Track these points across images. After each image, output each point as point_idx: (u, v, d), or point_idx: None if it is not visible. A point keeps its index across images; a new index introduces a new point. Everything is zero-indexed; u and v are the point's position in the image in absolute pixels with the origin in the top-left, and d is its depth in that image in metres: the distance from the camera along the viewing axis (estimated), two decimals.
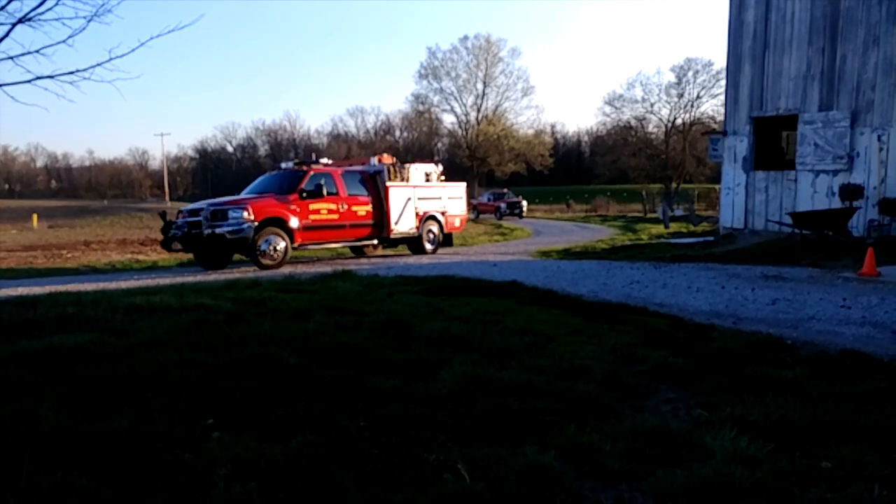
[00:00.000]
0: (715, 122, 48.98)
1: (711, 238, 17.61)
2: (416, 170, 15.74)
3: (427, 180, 15.90)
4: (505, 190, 44.66)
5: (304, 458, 2.75)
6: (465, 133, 65.16)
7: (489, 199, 41.53)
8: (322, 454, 2.81)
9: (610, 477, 2.75)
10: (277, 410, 3.34)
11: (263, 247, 12.23)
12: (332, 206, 13.47)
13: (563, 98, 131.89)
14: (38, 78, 5.77)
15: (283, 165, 15.02)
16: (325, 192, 13.07)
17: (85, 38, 6.26)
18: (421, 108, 68.32)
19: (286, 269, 12.12)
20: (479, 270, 10.91)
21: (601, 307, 6.71)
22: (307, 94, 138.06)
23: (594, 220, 36.27)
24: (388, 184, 14.67)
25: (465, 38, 63.58)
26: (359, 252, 15.97)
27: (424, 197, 15.57)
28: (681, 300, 7.55)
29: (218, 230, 11.85)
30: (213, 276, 11.15)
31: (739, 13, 16.10)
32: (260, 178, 14.76)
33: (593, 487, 2.67)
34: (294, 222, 12.71)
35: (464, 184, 17.47)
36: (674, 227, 26.02)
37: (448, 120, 68.58)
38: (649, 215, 37.58)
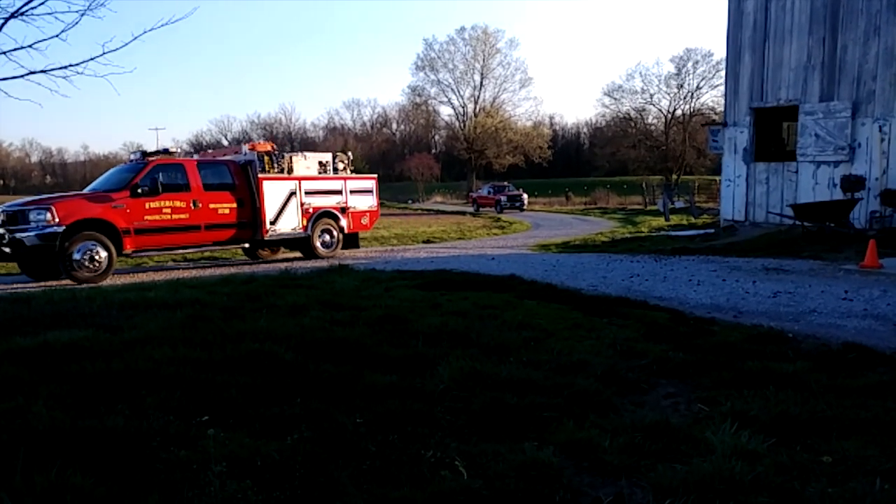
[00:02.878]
0: (715, 113, 48.82)
1: (712, 230, 17.57)
2: (306, 159, 13.73)
3: (323, 171, 13.89)
4: (505, 183, 44.46)
5: (300, 455, 2.73)
6: (462, 125, 65.01)
7: (489, 193, 41.33)
8: (318, 451, 2.80)
9: (609, 472, 2.73)
10: (273, 407, 3.32)
11: (77, 255, 10.15)
12: (180, 204, 11.46)
13: (562, 89, 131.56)
14: (32, 73, 5.75)
15: (132, 157, 12.72)
16: (160, 187, 11.09)
17: (78, 32, 6.22)
18: (418, 100, 68.15)
19: (283, 265, 12.06)
20: (478, 264, 10.89)
21: (601, 301, 6.69)
22: (303, 87, 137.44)
23: (594, 213, 36.23)
24: (260, 176, 12.60)
25: (462, 29, 63.60)
26: (253, 255, 13.95)
27: (315, 191, 13.51)
28: (681, 293, 7.52)
29: (17, 236, 9.86)
30: (207, 272, 11.12)
31: (739, 3, 16.01)
32: (106, 174, 12.72)
33: (592, 483, 2.66)
34: (122, 224, 10.72)
35: (374, 176, 15.45)
36: (674, 219, 25.97)
37: (445, 112, 68.52)
38: (649, 207, 37.48)
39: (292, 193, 13.09)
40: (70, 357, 4.06)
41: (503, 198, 38.92)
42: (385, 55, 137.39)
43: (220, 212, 12.08)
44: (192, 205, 11.66)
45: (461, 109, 65.22)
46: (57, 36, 5.87)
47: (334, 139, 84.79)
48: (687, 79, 56.69)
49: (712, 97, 54.96)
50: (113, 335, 4.70)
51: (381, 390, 3.59)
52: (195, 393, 3.46)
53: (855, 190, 12.98)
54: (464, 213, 37.69)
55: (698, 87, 56.55)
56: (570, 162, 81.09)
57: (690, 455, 2.81)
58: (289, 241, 13.65)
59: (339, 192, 13.99)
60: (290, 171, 13.21)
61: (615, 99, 60.25)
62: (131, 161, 12.42)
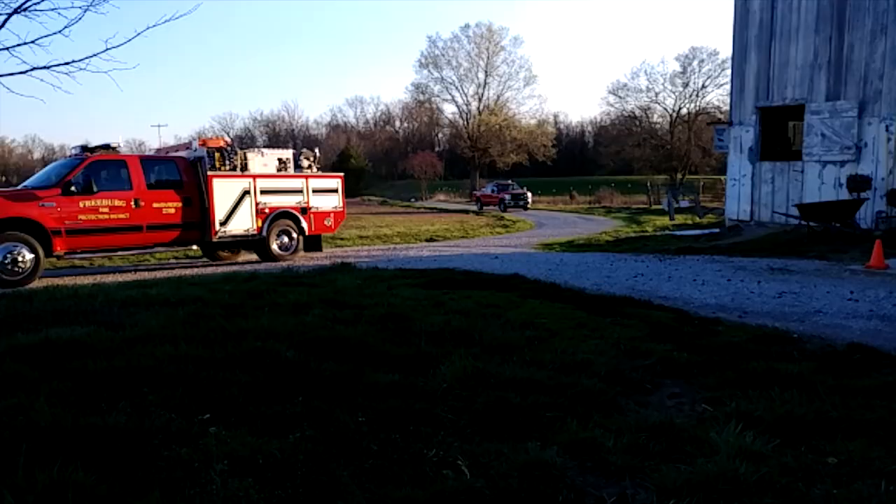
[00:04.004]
0: (721, 113, 48.54)
1: (717, 230, 17.51)
2: (263, 156, 12.86)
3: (283, 169, 13.08)
4: (509, 181, 44.29)
5: (302, 453, 2.73)
6: (466, 123, 64.74)
7: (493, 191, 41.16)
8: (320, 450, 2.79)
9: (613, 473, 2.72)
10: (275, 405, 3.31)
11: None
12: (119, 203, 10.77)
13: (567, 88, 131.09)
14: (34, 69, 5.76)
15: (72, 152, 11.81)
16: (96, 185, 10.46)
17: (81, 28, 6.22)
18: (421, 97, 67.81)
19: (284, 262, 12.04)
20: (481, 263, 10.86)
21: (605, 300, 6.66)
22: (306, 85, 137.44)
23: (598, 212, 36.13)
24: (210, 174, 11.78)
25: (467, 26, 63.10)
26: (211, 256, 13.26)
27: (272, 189, 12.69)
28: (686, 293, 7.49)
29: None
30: (209, 270, 11.12)
31: (745, 1, 15.94)
32: (42, 170, 11.99)
33: (596, 483, 2.64)
34: (51, 224, 10.08)
35: (340, 175, 14.51)
36: (679, 218, 25.88)
37: (449, 110, 68.13)
38: (654, 207, 37.34)
39: (246, 192, 12.31)
40: (72, 354, 4.06)
41: (507, 196, 38.77)
42: (389, 53, 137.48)
43: (164, 211, 11.33)
44: (132, 204, 10.94)
45: (465, 107, 64.99)
46: (60, 32, 5.89)
47: (337, 136, 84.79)
48: (692, 77, 56.47)
49: (718, 96, 54.73)
50: (115, 332, 4.70)
51: (384, 389, 3.57)
52: (197, 391, 3.45)
53: (861, 190, 12.92)
54: (467, 212, 37.61)
55: (704, 86, 56.33)
56: (575, 161, 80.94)
57: (695, 455, 2.79)
58: (242, 243, 12.89)
59: (299, 192, 13.15)
60: (245, 168, 12.42)
61: (620, 97, 60.07)
62: (71, 156, 11.61)
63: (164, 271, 11.46)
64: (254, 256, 13.32)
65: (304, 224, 13.21)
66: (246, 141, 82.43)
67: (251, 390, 3.50)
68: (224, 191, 12.00)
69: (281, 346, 4.24)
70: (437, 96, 66.32)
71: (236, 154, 12.36)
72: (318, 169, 13.99)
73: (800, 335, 5.14)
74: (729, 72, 18.29)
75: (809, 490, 2.50)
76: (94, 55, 5.90)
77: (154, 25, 6.28)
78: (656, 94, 58.58)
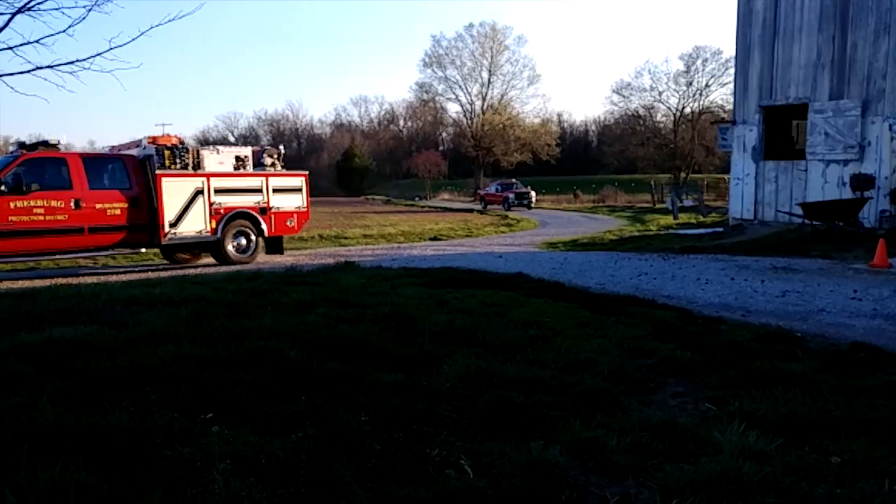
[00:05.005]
0: (724, 111, 48.37)
1: (721, 229, 17.46)
2: (219, 153, 12.19)
3: (241, 167, 12.34)
4: (513, 180, 44.20)
5: (305, 453, 2.73)
6: (470, 122, 64.74)
7: (497, 190, 41.13)
8: (322, 449, 2.79)
9: (616, 472, 2.71)
10: (277, 405, 3.30)
11: None
12: (57, 204, 10.11)
13: (570, 86, 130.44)
14: (38, 68, 5.78)
15: (12, 148, 11.11)
16: (27, 185, 9.81)
17: (85, 27, 6.23)
18: (425, 97, 67.87)
19: (288, 260, 12.04)
20: (485, 262, 10.86)
21: (608, 299, 6.65)
22: (310, 84, 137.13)
23: (602, 211, 36.08)
24: (159, 173, 11.08)
25: (471, 25, 63.05)
26: (169, 258, 12.72)
27: (228, 189, 11.97)
28: (689, 292, 7.47)
29: None
30: (213, 269, 11.14)
31: (749, 1, 15.89)
32: None
33: (599, 483, 2.63)
34: None
35: (304, 173, 13.66)
36: (683, 217, 25.80)
37: (453, 109, 68.17)
38: (658, 206, 37.22)
39: (198, 192, 11.59)
40: (75, 353, 4.06)
41: (511, 195, 38.74)
42: (392, 52, 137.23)
43: (108, 213, 10.65)
44: (72, 205, 10.24)
45: (469, 106, 64.95)
46: (64, 31, 5.91)
47: (341, 136, 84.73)
48: (696, 76, 56.32)
49: (721, 95, 54.55)
50: (118, 332, 4.70)
51: (387, 388, 3.57)
52: (200, 390, 3.45)
53: (864, 189, 12.88)
54: (471, 211, 37.62)
55: (707, 85, 56.18)
56: (579, 160, 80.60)
57: (698, 455, 2.79)
58: (196, 245, 12.15)
59: (258, 191, 12.36)
60: (198, 167, 11.72)
61: (624, 96, 59.94)
62: (9, 154, 10.95)
63: (168, 271, 11.48)
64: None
65: (264, 225, 12.44)
66: (250, 139, 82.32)
67: (254, 390, 3.50)
68: (174, 190, 11.34)
69: (284, 345, 4.24)
70: (441, 95, 66.37)
71: (188, 152, 11.71)
72: (283, 167, 13.30)
73: (803, 334, 5.13)
74: (732, 71, 18.25)
75: (813, 490, 2.49)
76: (99, 54, 5.92)
77: (158, 25, 6.30)
78: (660, 94, 58.46)
